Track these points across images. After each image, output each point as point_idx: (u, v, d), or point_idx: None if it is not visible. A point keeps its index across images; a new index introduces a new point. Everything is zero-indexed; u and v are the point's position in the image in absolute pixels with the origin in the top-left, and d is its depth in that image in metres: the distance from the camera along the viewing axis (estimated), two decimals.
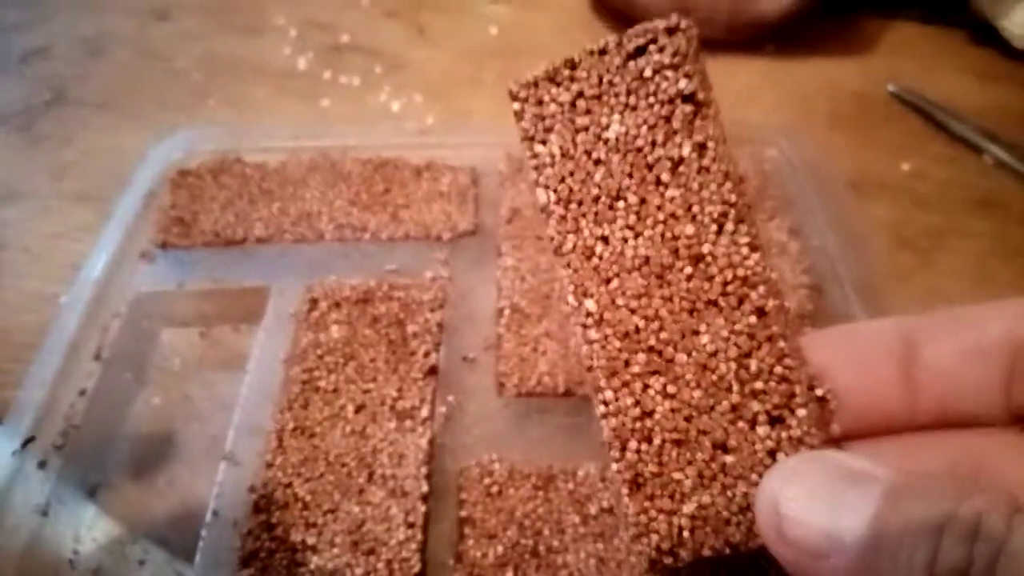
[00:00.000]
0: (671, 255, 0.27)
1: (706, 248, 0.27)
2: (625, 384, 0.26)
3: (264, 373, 0.42)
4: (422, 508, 0.36)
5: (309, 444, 0.39)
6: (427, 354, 0.42)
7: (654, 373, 0.26)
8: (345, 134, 0.55)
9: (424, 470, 0.38)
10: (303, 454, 0.38)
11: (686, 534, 0.25)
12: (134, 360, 0.46)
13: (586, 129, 0.27)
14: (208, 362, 0.47)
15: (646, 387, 0.26)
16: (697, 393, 0.26)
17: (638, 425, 0.26)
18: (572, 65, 0.28)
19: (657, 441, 0.26)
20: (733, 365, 0.26)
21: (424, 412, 0.40)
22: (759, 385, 0.26)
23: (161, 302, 0.47)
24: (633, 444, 0.26)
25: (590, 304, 0.27)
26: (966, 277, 0.52)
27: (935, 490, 0.20)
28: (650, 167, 0.27)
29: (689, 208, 0.27)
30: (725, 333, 0.26)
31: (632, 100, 0.27)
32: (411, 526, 0.36)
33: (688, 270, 0.27)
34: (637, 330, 0.27)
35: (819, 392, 0.26)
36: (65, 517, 0.39)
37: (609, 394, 0.26)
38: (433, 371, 0.42)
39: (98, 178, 0.59)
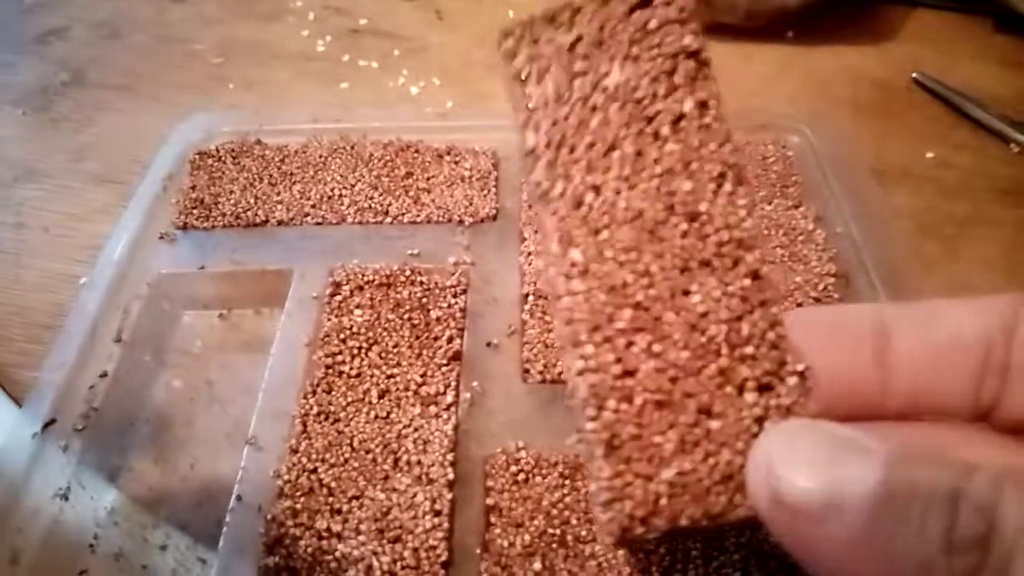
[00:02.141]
0: (666, 210, 0.26)
1: (703, 206, 0.26)
2: (608, 340, 0.25)
3: (287, 357, 0.42)
4: (448, 495, 0.36)
5: (333, 429, 0.38)
6: (451, 339, 0.42)
7: (640, 330, 0.25)
8: (365, 117, 0.55)
9: (450, 457, 0.37)
10: (327, 439, 0.38)
11: (663, 501, 0.24)
12: (155, 342, 0.45)
13: (584, 74, 0.26)
14: (230, 345, 0.46)
15: (630, 344, 0.25)
16: (684, 354, 0.25)
17: (619, 384, 0.25)
18: (574, 10, 0.27)
19: (638, 401, 0.24)
20: (724, 328, 0.25)
21: (449, 398, 0.39)
22: (749, 350, 0.25)
23: (182, 284, 0.46)
24: (612, 403, 0.24)
25: (575, 254, 0.26)
26: (992, 266, 0.51)
27: (940, 461, 0.20)
28: (649, 120, 0.26)
29: (688, 164, 0.26)
30: (717, 294, 0.25)
31: (635, 51, 0.26)
32: (438, 514, 0.35)
33: (683, 227, 0.26)
34: (624, 284, 0.25)
35: (799, 368, 0.25)
36: (86, 501, 0.39)
37: (590, 349, 0.25)
38: (457, 357, 0.42)
39: (117, 160, 0.59)
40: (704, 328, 0.25)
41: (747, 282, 0.25)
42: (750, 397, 0.25)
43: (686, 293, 0.25)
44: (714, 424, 0.24)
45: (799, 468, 0.22)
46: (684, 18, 0.26)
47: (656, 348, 0.25)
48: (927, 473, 0.20)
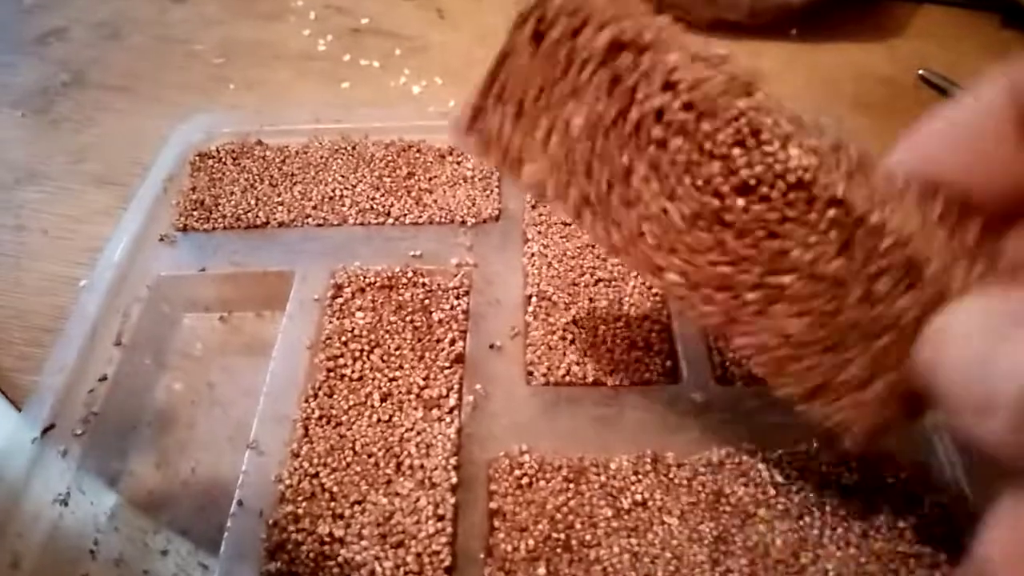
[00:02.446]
0: (713, 197, 0.26)
1: (744, 173, 0.26)
2: (748, 325, 0.27)
3: (288, 360, 0.41)
4: (451, 500, 0.35)
5: (335, 433, 0.38)
6: (453, 342, 0.42)
7: (771, 303, 0.26)
8: (367, 117, 0.54)
9: (453, 461, 0.37)
10: (329, 443, 0.37)
11: (875, 417, 0.26)
12: (155, 345, 0.45)
13: (550, 133, 0.27)
14: (231, 348, 0.46)
15: (770, 317, 0.26)
16: (820, 301, 0.26)
17: (783, 352, 0.26)
18: (492, 77, 0.27)
19: (809, 355, 0.26)
20: (837, 261, 0.25)
21: (451, 401, 0.39)
22: (873, 268, 0.25)
23: (182, 287, 0.46)
24: (790, 368, 0.27)
25: (672, 276, 0.27)
26: None
27: None
28: (635, 132, 0.26)
29: (701, 148, 0.26)
30: (813, 238, 0.26)
31: (569, 87, 0.26)
32: (441, 518, 0.35)
33: (740, 202, 0.26)
34: (729, 276, 0.26)
35: (936, 209, 0.25)
36: (86, 506, 0.38)
37: (741, 341, 0.27)
38: (460, 359, 0.41)
39: (117, 161, 0.58)
40: (821, 271, 0.26)
41: (832, 212, 0.25)
42: (903, 302, 0.25)
43: (784, 253, 0.26)
44: (883, 341, 0.26)
45: (951, 367, 0.22)
46: (577, 23, 0.26)
47: (795, 309, 0.26)
48: None
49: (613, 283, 0.44)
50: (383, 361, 0.41)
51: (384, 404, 0.39)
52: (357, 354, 0.41)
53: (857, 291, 0.26)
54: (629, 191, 0.27)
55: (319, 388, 0.40)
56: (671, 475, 0.36)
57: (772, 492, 0.35)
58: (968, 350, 0.21)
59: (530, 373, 0.41)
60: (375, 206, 0.49)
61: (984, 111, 0.25)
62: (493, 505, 0.36)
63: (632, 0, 0.27)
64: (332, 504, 0.35)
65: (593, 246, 0.46)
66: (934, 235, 0.25)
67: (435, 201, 0.49)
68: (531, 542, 0.34)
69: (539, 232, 0.47)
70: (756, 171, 0.25)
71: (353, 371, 0.40)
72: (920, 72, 0.64)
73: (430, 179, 0.50)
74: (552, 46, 0.26)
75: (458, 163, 0.51)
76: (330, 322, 0.42)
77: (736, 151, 0.26)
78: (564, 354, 0.41)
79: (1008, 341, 0.20)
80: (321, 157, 0.52)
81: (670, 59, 0.26)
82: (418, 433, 0.38)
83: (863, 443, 0.27)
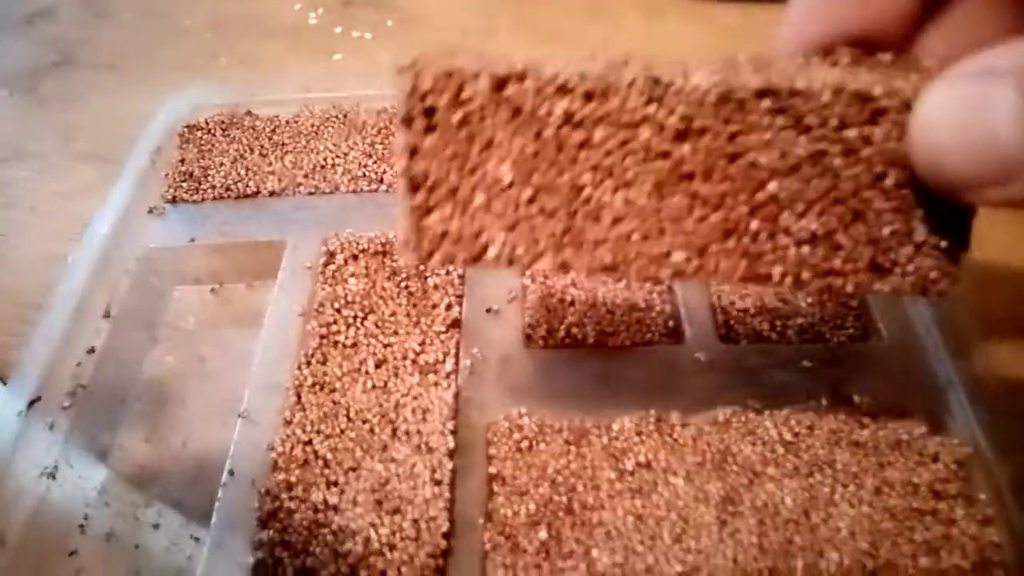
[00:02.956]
0: (660, 158, 0.26)
1: (671, 121, 0.26)
2: (772, 254, 0.27)
3: (280, 328, 0.40)
4: (449, 465, 0.34)
5: (329, 400, 0.37)
6: (449, 307, 0.40)
7: (777, 218, 0.26)
8: (358, 86, 0.53)
9: (450, 425, 0.36)
10: (323, 410, 0.36)
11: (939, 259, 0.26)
12: (145, 318, 0.44)
13: (489, 198, 0.27)
14: (222, 320, 0.45)
15: (783, 231, 0.27)
16: (814, 185, 0.26)
17: (820, 253, 0.27)
18: (411, 179, 0.27)
19: (842, 239, 0.26)
20: (800, 140, 0.26)
21: (448, 366, 0.38)
22: (833, 123, 0.25)
23: (172, 258, 0.45)
24: (835, 264, 0.27)
25: (677, 255, 0.27)
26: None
27: None
28: (560, 148, 0.26)
29: (622, 124, 0.26)
30: (766, 135, 0.26)
31: (482, 143, 0.26)
32: (438, 483, 0.34)
33: (686, 148, 0.26)
34: (723, 219, 0.26)
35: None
36: (74, 480, 0.37)
37: (778, 270, 0.27)
38: (456, 324, 0.40)
39: (107, 139, 0.57)
40: (808, 180, 0.26)
41: (781, 121, 0.26)
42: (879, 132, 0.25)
43: (762, 186, 0.26)
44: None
45: (954, 143, 0.22)
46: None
47: (804, 223, 0.27)
48: None
49: None
50: (377, 327, 0.40)
51: (379, 370, 0.38)
52: (351, 320, 0.40)
53: (837, 155, 0.26)
54: (589, 204, 0.27)
55: (312, 355, 0.38)
56: (675, 435, 0.35)
57: (781, 451, 0.34)
58: (963, 115, 0.22)
59: (528, 336, 0.39)
60: (368, 173, 0.47)
61: None
62: (492, 469, 0.34)
63: (493, 54, 0.27)
64: (326, 471, 0.34)
65: None
66: (858, 73, 0.26)
67: None
68: (532, 506, 0.33)
69: None
70: (680, 112, 0.26)
71: (347, 337, 0.39)
72: None
73: None
74: (446, 116, 0.26)
75: None
76: (322, 289, 0.41)
77: (652, 108, 0.26)
78: (563, 316, 0.40)
79: (997, 86, 0.20)
80: (312, 126, 0.50)
81: (550, 70, 0.26)
82: (414, 398, 0.37)
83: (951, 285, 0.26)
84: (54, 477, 0.36)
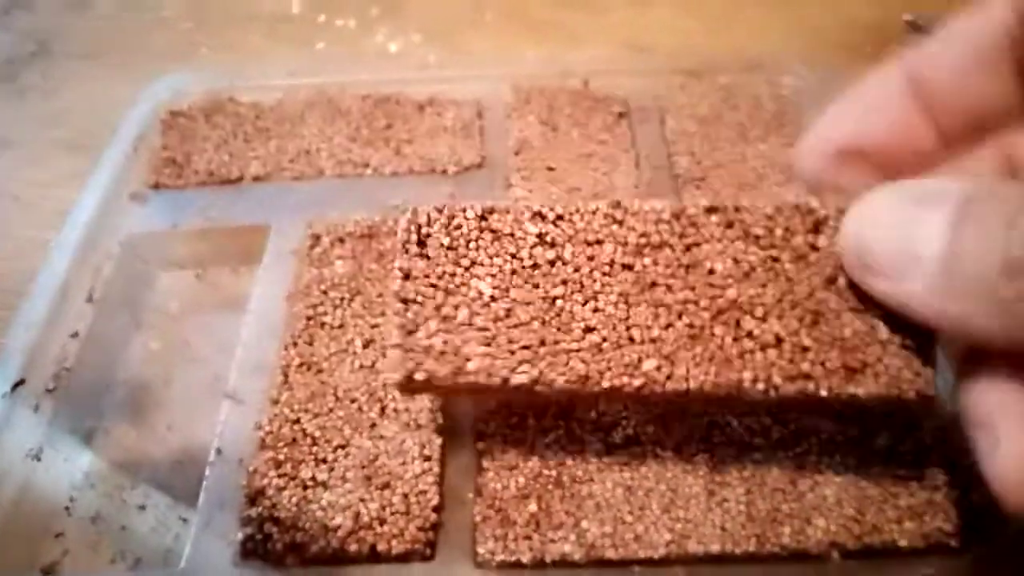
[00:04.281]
0: (624, 271, 0.29)
1: (631, 237, 0.29)
2: (740, 358, 0.28)
3: (266, 310, 0.40)
4: (438, 441, 0.34)
5: (316, 380, 0.37)
6: None
7: (739, 323, 0.28)
8: (342, 71, 0.53)
9: (438, 402, 0.36)
10: (310, 390, 0.36)
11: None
12: (129, 303, 0.44)
13: (471, 314, 0.29)
14: (206, 305, 0.45)
15: (746, 334, 0.28)
16: (770, 290, 0.28)
17: (788, 355, 0.27)
18: (403, 300, 0.29)
19: (810, 342, 0.28)
20: (751, 249, 0.29)
21: None
22: (780, 231, 0.29)
23: (155, 243, 0.45)
24: (805, 368, 0.27)
25: (648, 363, 0.28)
26: None
27: (1005, 190, 0.21)
28: (534, 266, 0.29)
29: (588, 242, 0.29)
30: (719, 246, 0.29)
31: (467, 263, 0.29)
32: (427, 459, 0.34)
33: (646, 260, 0.29)
34: (688, 325, 0.28)
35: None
36: (60, 463, 0.37)
37: (748, 376, 0.27)
38: None
39: (88, 128, 0.57)
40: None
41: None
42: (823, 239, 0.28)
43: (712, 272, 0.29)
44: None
45: (876, 231, 0.24)
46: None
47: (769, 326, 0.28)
48: (988, 207, 0.21)
49: None
50: (364, 308, 0.40)
51: (367, 350, 0.38)
52: (337, 302, 0.40)
53: (787, 260, 0.28)
54: (561, 316, 0.28)
55: (299, 336, 0.38)
56: (662, 408, 0.35)
57: (768, 421, 0.34)
58: (890, 216, 0.24)
59: None
60: (353, 158, 0.47)
61: (884, 90, 0.28)
62: (481, 445, 0.34)
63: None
64: (314, 449, 0.34)
65: (579, 188, 0.45)
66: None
67: (415, 151, 0.48)
68: (521, 480, 0.33)
69: (523, 177, 0.45)
70: (639, 229, 0.29)
71: (334, 319, 0.39)
72: (905, 17, 0.63)
73: (409, 130, 0.49)
74: (437, 241, 0.29)
75: (438, 114, 0.50)
76: (308, 271, 0.41)
77: (614, 227, 0.29)
78: None
79: (930, 203, 0.22)
80: (296, 111, 0.50)
81: (525, 204, 0.30)
82: None
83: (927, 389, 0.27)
84: (39, 459, 0.36)
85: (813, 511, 0.31)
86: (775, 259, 0.28)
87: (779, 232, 0.28)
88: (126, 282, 0.43)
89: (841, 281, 0.27)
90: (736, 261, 0.28)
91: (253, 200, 0.46)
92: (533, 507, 0.32)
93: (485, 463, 0.34)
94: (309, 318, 0.39)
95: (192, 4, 0.68)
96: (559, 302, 0.29)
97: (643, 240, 0.29)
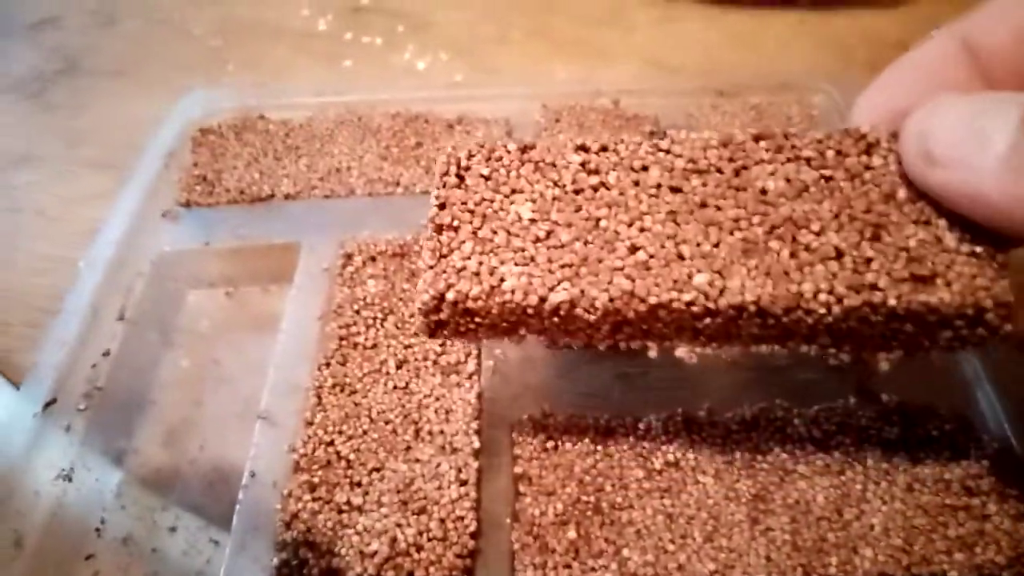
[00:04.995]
0: (672, 193, 0.28)
1: (678, 163, 0.28)
2: (796, 272, 0.26)
3: (298, 330, 0.40)
4: (474, 464, 0.34)
5: (350, 401, 0.36)
6: None
7: (794, 238, 0.27)
8: (371, 90, 0.53)
9: (474, 425, 0.35)
10: (344, 411, 0.36)
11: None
12: (160, 321, 0.43)
13: (509, 237, 0.28)
14: (237, 324, 0.44)
15: (803, 247, 0.27)
16: (826, 205, 0.27)
17: (848, 264, 0.26)
18: (438, 225, 0.29)
19: (870, 251, 0.26)
20: (803, 168, 0.28)
21: (470, 366, 0.37)
22: (832, 145, 0.28)
23: (186, 261, 0.44)
24: (868, 279, 0.26)
25: (700, 278, 0.27)
26: None
27: None
28: (577, 192, 0.28)
29: (634, 168, 0.29)
30: (769, 168, 0.28)
31: (507, 191, 0.29)
32: (464, 483, 0.33)
33: (695, 181, 0.28)
34: (741, 239, 0.27)
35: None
36: (91, 484, 0.37)
37: (808, 286, 0.26)
38: None
39: (115, 145, 0.57)
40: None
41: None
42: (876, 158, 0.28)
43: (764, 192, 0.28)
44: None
45: (946, 123, 0.24)
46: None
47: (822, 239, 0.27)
48: None
49: None
50: (397, 328, 0.39)
51: (400, 371, 0.38)
52: (370, 322, 0.39)
53: (842, 179, 0.28)
54: (605, 235, 0.28)
55: (332, 357, 0.38)
56: (703, 434, 0.34)
57: (811, 448, 0.34)
58: (958, 109, 0.24)
59: None
60: (383, 176, 0.47)
61: (939, 55, 0.29)
62: (518, 469, 0.34)
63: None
64: (349, 472, 0.34)
65: None
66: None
67: None
68: (559, 505, 0.33)
69: None
70: (686, 155, 0.29)
71: (367, 339, 0.39)
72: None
73: (438, 148, 0.49)
74: (476, 172, 0.29)
75: (467, 132, 0.50)
76: (341, 291, 0.41)
77: (660, 154, 0.29)
78: None
79: (1000, 102, 0.23)
80: (326, 129, 0.50)
81: (566, 136, 0.31)
82: (437, 399, 0.36)
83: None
84: (71, 480, 0.36)
85: (860, 540, 0.31)
86: (828, 178, 0.28)
87: (831, 154, 0.28)
88: (157, 300, 0.43)
89: (901, 194, 0.27)
90: (788, 180, 0.28)
91: (284, 218, 0.45)
92: (572, 534, 0.32)
93: (522, 488, 0.33)
94: (342, 338, 0.39)
95: (219, 21, 0.69)
96: (603, 222, 0.28)
97: (691, 165, 0.28)
